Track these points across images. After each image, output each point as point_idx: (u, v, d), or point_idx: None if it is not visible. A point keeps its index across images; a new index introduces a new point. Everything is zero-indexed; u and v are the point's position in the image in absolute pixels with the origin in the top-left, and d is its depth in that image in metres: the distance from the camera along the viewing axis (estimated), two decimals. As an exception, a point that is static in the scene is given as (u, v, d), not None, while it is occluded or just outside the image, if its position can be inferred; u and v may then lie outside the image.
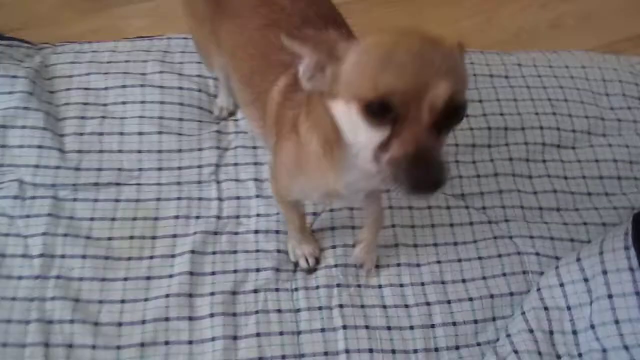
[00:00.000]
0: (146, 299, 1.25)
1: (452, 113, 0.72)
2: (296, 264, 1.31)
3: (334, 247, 1.33)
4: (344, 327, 1.22)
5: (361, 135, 0.75)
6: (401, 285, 1.29)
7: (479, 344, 1.23)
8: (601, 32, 1.82)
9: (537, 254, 1.33)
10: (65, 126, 1.45)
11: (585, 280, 1.16)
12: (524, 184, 1.44)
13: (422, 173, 0.71)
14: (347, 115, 0.76)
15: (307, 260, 1.31)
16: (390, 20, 1.80)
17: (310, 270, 1.31)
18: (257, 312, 1.24)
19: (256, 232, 1.34)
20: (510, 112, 1.53)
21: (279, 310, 1.25)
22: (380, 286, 1.29)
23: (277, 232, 1.34)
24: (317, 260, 1.32)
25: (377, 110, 0.72)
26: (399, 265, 1.31)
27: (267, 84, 1.07)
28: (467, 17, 1.84)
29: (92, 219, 1.34)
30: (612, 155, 1.49)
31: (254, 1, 1.13)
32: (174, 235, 1.33)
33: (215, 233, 1.33)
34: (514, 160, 1.46)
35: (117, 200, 1.37)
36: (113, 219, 1.35)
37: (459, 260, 1.33)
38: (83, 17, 1.76)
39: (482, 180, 1.44)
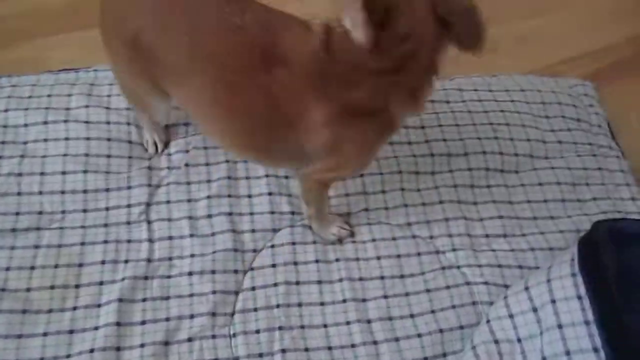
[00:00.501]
0: (68, 356, 1.13)
1: None
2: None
3: (275, 285, 1.25)
4: (288, 373, 1.14)
5: None
6: (347, 323, 1.22)
7: (430, 383, 1.17)
8: (537, 55, 1.82)
9: (486, 282, 1.28)
10: (-21, 167, 1.33)
11: (534, 310, 1.11)
12: (469, 211, 1.40)
13: None
14: None
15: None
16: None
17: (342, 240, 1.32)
18: (192, 363, 1.14)
19: (190, 274, 1.24)
20: (453, 137, 1.50)
21: (216, 360, 1.15)
22: (325, 325, 1.21)
23: (213, 272, 1.25)
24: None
25: None
26: (344, 301, 1.24)
27: (288, 129, 1.04)
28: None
29: (7, 268, 1.21)
30: (556, 178, 1.48)
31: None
32: (100, 283, 1.22)
33: (146, 278, 1.23)
34: (458, 187, 1.43)
35: (36, 247, 1.25)
36: (32, 268, 1.23)
37: (407, 294, 1.27)
38: (2, 48, 1.65)
39: (427, 208, 1.39)
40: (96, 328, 1.16)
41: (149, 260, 1.25)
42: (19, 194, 1.31)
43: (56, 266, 1.23)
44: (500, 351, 1.13)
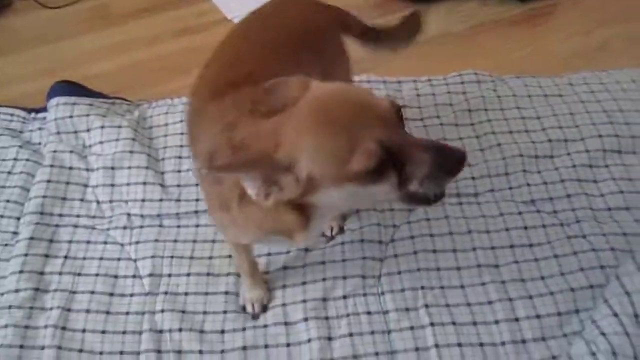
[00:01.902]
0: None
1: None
2: (243, 308, 1.37)
3: (415, 252, 1.42)
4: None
5: (379, 192, 0.81)
6: (482, 284, 1.35)
7: (565, 335, 1.27)
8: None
9: (612, 249, 1.37)
10: (164, 165, 1.64)
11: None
12: (590, 188, 1.51)
13: (449, 154, 0.80)
14: (344, 193, 0.81)
15: (253, 305, 1.35)
16: (444, 56, 1.97)
17: (255, 316, 1.35)
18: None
19: (342, 243, 1.46)
20: (568, 125, 1.63)
21: None
22: (462, 286, 1.36)
23: (361, 241, 1.45)
24: (265, 308, 1.36)
25: (381, 167, 0.78)
26: (479, 266, 1.38)
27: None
28: (516, 49, 1.98)
29: (194, 241, 1.49)
30: (673, 156, 1.55)
31: None
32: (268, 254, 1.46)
33: (306, 250, 1.46)
34: (577, 167, 1.54)
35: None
36: (213, 241, 1.49)
37: (536, 260, 1.39)
38: (169, 79, 1.99)
39: (549, 187, 1.52)
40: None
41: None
42: (197, 184, 1.58)
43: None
44: (632, 301, 1.21)
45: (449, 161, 0.80)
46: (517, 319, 1.29)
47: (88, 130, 1.69)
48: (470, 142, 1.64)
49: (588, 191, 1.50)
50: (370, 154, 0.77)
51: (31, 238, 1.48)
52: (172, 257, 1.46)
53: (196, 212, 1.53)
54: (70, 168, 1.63)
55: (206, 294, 1.40)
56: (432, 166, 0.79)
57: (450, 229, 1.46)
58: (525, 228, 1.45)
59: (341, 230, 1.47)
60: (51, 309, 1.37)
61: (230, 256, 1.46)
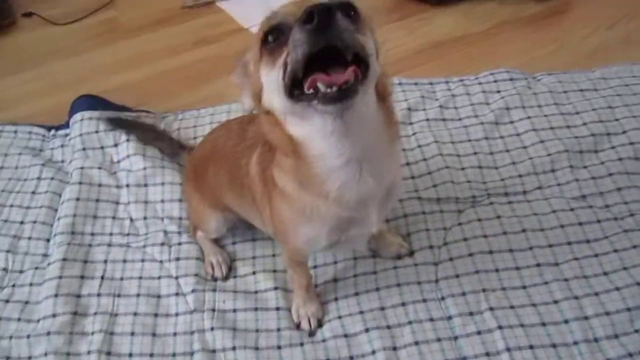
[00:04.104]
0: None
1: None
2: (298, 325, 1.31)
3: (470, 255, 1.37)
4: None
5: (273, 78, 0.80)
6: (545, 283, 1.31)
7: (636, 331, 1.22)
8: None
9: (674, 241, 1.34)
10: (200, 179, 1.58)
11: None
12: (639, 180, 1.48)
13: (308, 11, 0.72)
14: (265, 74, 0.83)
15: (309, 321, 1.30)
16: (467, 57, 1.95)
17: (312, 333, 1.29)
18: None
19: (393, 249, 1.40)
20: (609, 118, 1.61)
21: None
22: (524, 287, 1.31)
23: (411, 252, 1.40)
24: (320, 323, 1.31)
25: (272, 44, 0.80)
26: (538, 265, 1.34)
27: (246, 169, 1.14)
28: (539, 47, 1.97)
29: (234, 258, 1.44)
30: None
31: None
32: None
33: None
34: (624, 160, 1.51)
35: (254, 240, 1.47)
36: (253, 257, 1.44)
37: (596, 255, 1.35)
38: (189, 90, 1.93)
39: (597, 181, 1.48)
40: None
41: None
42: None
43: (273, 255, 1.43)
44: None
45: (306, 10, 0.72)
46: (586, 317, 1.24)
47: (115, 145, 1.62)
48: (512, 140, 1.60)
49: (638, 183, 1.47)
50: (267, 21, 0.80)
51: (64, 259, 1.41)
52: (214, 272, 1.40)
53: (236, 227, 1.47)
54: (100, 185, 1.56)
55: (255, 309, 1.34)
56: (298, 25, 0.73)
57: (503, 229, 1.41)
58: (580, 224, 1.41)
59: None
60: (93, 333, 1.30)
61: (274, 270, 1.40)
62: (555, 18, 2.11)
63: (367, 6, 0.85)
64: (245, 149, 1.16)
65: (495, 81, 1.76)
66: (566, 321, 1.24)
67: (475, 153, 1.60)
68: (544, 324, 1.24)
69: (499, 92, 1.73)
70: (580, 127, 1.60)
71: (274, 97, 0.83)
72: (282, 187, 1.00)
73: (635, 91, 1.67)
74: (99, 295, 1.36)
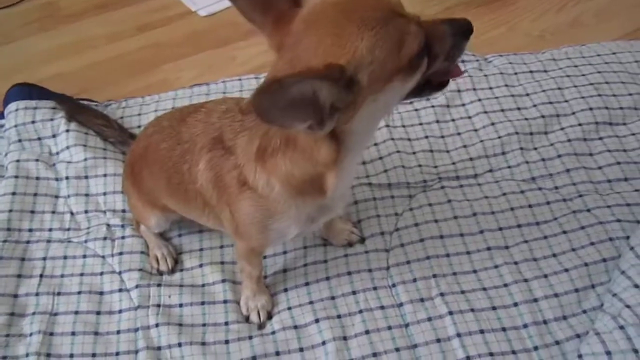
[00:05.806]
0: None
1: None
2: (247, 318, 1.28)
3: (421, 240, 1.36)
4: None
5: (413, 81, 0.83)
6: (495, 267, 1.30)
7: (584, 312, 1.23)
8: (620, 25, 1.92)
9: (619, 220, 1.35)
10: (143, 170, 1.51)
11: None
12: (587, 161, 1.49)
13: (459, 20, 0.85)
14: (389, 93, 0.82)
15: (259, 314, 1.27)
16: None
17: (261, 326, 1.27)
18: None
19: (344, 237, 1.38)
20: (558, 99, 1.61)
21: None
22: (475, 271, 1.30)
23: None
24: (270, 315, 1.28)
25: (421, 55, 0.81)
26: (488, 249, 1.34)
27: (191, 176, 1.09)
28: (491, 29, 1.96)
29: (181, 250, 1.40)
30: (663, 125, 1.55)
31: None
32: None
33: (305, 247, 1.37)
34: (572, 141, 1.52)
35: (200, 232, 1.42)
36: (201, 249, 1.39)
37: (545, 237, 1.35)
38: (133, 77, 1.86)
39: (547, 163, 1.48)
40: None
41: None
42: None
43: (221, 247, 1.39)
44: (651, 270, 1.19)
45: (462, 25, 0.85)
46: (535, 300, 1.25)
47: (54, 136, 1.54)
48: (463, 122, 1.59)
49: (586, 164, 1.48)
50: (417, 34, 0.79)
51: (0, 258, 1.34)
52: (160, 266, 1.35)
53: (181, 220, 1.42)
54: (37, 178, 1.48)
55: (202, 303, 1.29)
56: (453, 36, 0.84)
57: (454, 213, 1.40)
58: (530, 206, 1.41)
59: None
60: (31, 334, 1.24)
61: (222, 262, 1.36)
62: (507, 1, 2.10)
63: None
64: (184, 153, 1.09)
65: (446, 63, 1.74)
66: (516, 304, 1.24)
67: (427, 137, 1.58)
68: (494, 308, 1.24)
69: (450, 74, 1.71)
70: (531, 108, 1.60)
71: (394, 101, 0.87)
72: (262, 192, 0.98)
73: (584, 72, 1.67)
74: (37, 294, 1.30)
